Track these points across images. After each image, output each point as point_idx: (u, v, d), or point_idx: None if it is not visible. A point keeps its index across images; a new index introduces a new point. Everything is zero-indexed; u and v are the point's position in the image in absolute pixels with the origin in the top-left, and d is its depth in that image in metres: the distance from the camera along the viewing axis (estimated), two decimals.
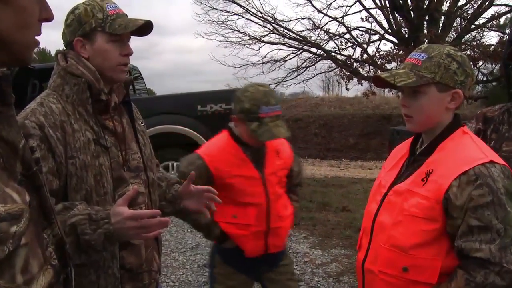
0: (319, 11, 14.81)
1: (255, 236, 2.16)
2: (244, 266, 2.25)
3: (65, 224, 1.31)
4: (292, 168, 2.32)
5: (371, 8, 14.50)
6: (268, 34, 15.38)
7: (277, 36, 15.43)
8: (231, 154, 2.14)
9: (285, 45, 15.57)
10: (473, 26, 14.11)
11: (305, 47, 15.51)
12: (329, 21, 14.98)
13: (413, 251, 1.37)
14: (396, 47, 13.97)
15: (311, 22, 15.13)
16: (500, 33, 14.12)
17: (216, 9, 14.93)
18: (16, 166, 0.79)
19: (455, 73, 1.41)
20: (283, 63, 15.76)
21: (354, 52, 14.99)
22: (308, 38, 15.29)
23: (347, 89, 15.48)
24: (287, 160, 2.27)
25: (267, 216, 2.14)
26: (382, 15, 14.40)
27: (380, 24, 14.64)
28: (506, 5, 13.55)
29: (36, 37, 0.81)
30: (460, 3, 13.93)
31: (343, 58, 15.06)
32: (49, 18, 0.83)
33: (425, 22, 13.82)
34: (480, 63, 13.66)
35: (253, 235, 2.15)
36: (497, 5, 13.78)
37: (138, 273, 1.56)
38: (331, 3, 14.75)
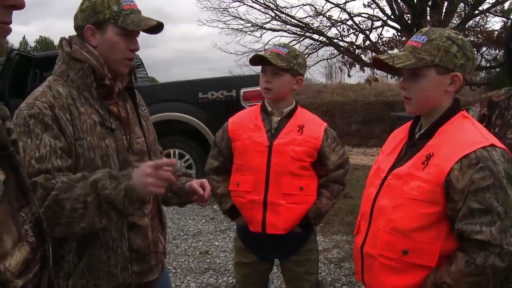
0: None
1: (253, 205, 2.14)
2: (251, 244, 2.27)
3: (86, 184, 1.33)
4: (327, 156, 2.15)
5: None
6: (270, 21, 15.26)
7: (279, 23, 15.32)
8: (249, 119, 2.22)
9: (287, 32, 15.46)
10: (476, 11, 13.96)
11: (307, 34, 15.40)
12: (331, 8, 14.84)
13: (413, 234, 1.37)
14: (398, 34, 13.84)
15: (313, 9, 15.01)
16: (504, 19, 13.97)
17: None
18: None
19: (455, 56, 1.40)
20: None
21: (356, 38, 14.89)
22: (310, 24, 15.18)
23: (349, 76, 15.43)
24: (310, 140, 2.12)
25: (265, 186, 2.11)
26: (384, 1, 14.25)
27: (382, 10, 14.49)
28: None
29: None
30: None
31: (346, 44, 14.96)
32: None
33: (428, 8, 13.68)
34: (484, 49, 13.55)
35: (251, 204, 2.15)
36: None
37: (145, 254, 1.60)
38: None
